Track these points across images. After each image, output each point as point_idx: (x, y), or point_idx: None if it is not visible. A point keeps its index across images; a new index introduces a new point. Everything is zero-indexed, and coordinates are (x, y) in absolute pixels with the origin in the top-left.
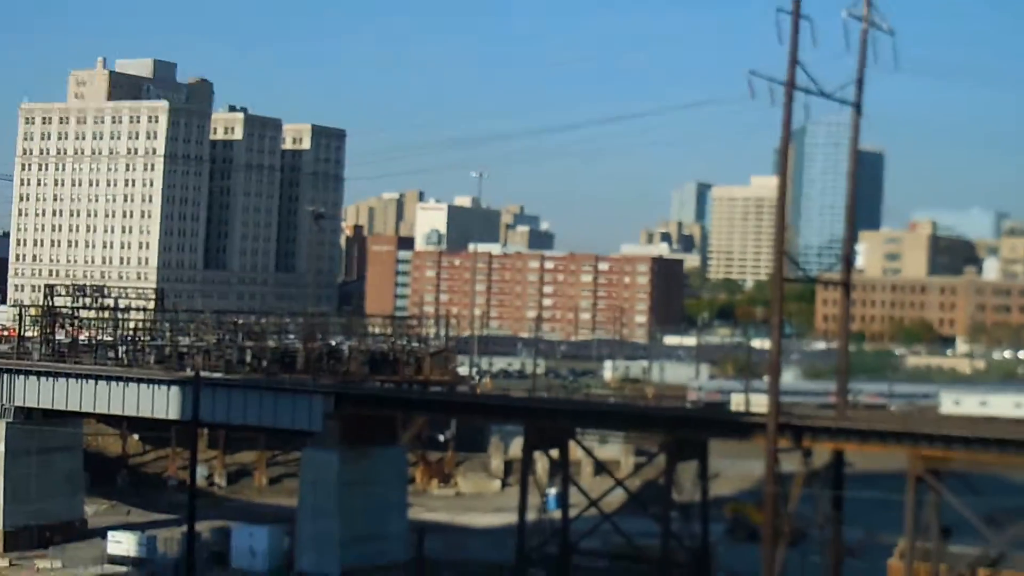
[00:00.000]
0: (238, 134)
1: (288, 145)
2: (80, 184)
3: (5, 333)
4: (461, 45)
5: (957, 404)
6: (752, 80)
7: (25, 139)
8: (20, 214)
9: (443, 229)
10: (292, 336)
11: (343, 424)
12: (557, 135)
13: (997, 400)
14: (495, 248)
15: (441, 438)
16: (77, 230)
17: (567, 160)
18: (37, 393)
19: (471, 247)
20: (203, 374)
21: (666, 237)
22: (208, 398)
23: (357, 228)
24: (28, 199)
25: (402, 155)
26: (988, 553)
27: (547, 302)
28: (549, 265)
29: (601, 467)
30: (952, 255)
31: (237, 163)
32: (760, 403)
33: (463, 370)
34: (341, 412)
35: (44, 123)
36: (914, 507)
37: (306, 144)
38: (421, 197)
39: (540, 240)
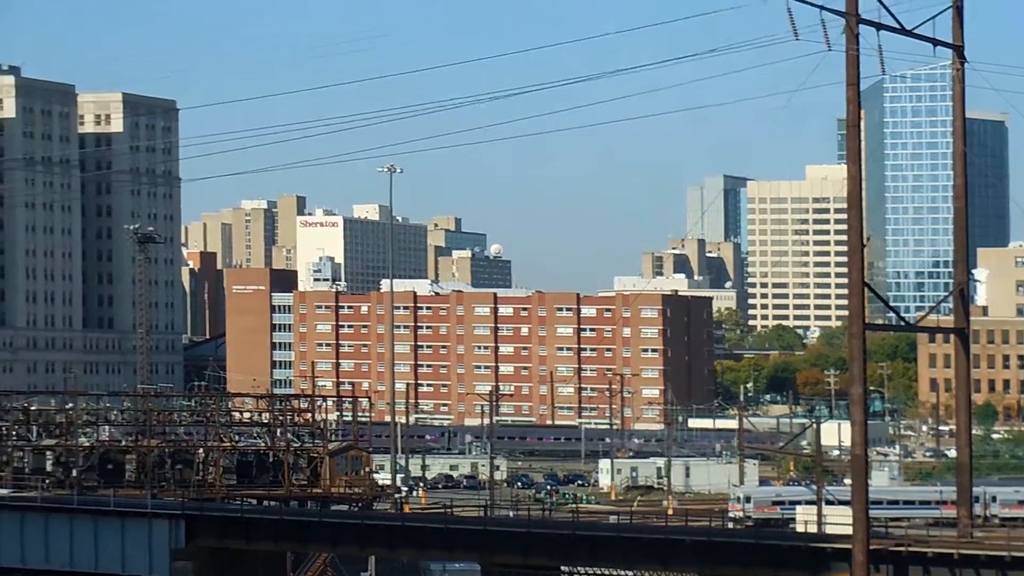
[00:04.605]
0: (8, 110)
1: (89, 127)
2: None
3: None
4: None
5: None
6: (794, 13)
7: None
8: None
9: (339, 255)
10: (116, 430)
11: (201, 565)
12: (504, 108)
13: None
14: (422, 285)
15: None
16: None
17: (524, 151)
18: None
19: (384, 284)
20: None
21: (682, 263)
22: None
23: (207, 257)
24: None
25: (271, 142)
26: None
27: (505, 368)
28: (506, 311)
29: None
30: None
31: (11, 154)
32: (841, 520)
33: (382, 477)
34: (197, 546)
35: None
36: None
37: (116, 125)
38: (302, 207)
39: (490, 273)
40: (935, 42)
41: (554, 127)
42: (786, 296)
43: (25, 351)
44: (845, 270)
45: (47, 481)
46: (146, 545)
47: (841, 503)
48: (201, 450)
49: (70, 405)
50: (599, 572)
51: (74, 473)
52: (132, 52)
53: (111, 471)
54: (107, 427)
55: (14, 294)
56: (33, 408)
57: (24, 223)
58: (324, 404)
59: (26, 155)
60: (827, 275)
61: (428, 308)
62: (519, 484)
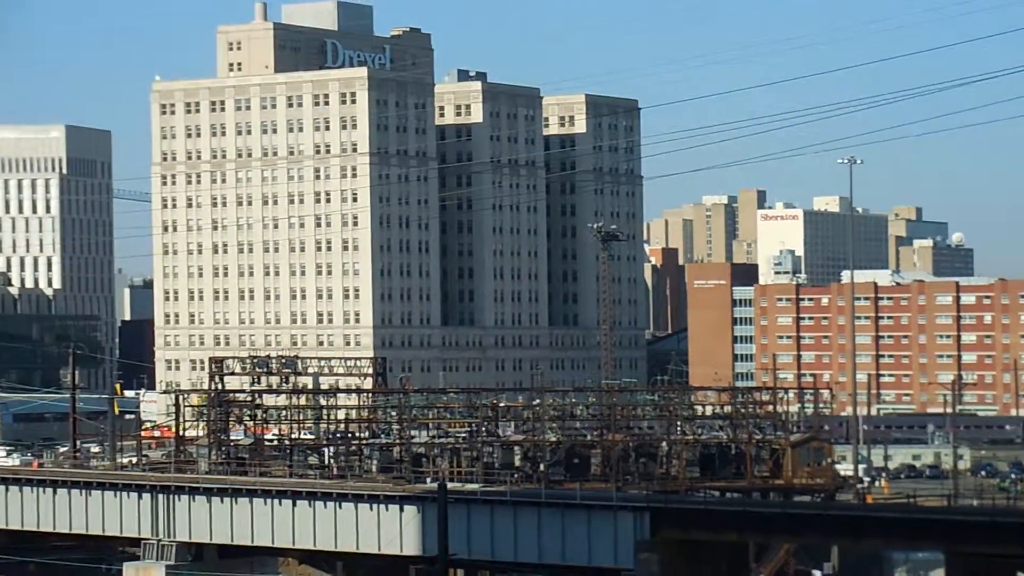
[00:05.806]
0: (476, 115)
1: (552, 129)
2: (250, 203)
3: (157, 433)
4: None
5: None
6: None
7: (164, 137)
8: (166, 252)
9: (799, 248)
10: (581, 424)
11: (666, 557)
12: (964, 93)
13: None
14: (883, 275)
15: (818, 575)
16: (251, 273)
17: (986, 137)
18: (208, 522)
19: (844, 275)
20: (451, 487)
21: None
22: (460, 523)
23: (668, 253)
24: (175, 229)
25: (732, 137)
26: None
27: (968, 357)
28: (969, 299)
29: None
30: None
31: (479, 159)
32: None
33: (845, 468)
34: (661, 538)
35: (189, 111)
36: None
37: (580, 126)
38: (762, 201)
39: (951, 261)
40: None
41: (1015, 113)
42: None
43: (493, 349)
44: None
45: (515, 475)
46: (612, 537)
47: None
48: (664, 443)
49: (537, 401)
50: None
51: (541, 467)
52: (594, 53)
53: (577, 465)
54: (574, 422)
55: (482, 294)
56: (502, 405)
57: (492, 225)
58: (785, 396)
59: (493, 159)
60: None
61: (889, 299)
62: (983, 473)
